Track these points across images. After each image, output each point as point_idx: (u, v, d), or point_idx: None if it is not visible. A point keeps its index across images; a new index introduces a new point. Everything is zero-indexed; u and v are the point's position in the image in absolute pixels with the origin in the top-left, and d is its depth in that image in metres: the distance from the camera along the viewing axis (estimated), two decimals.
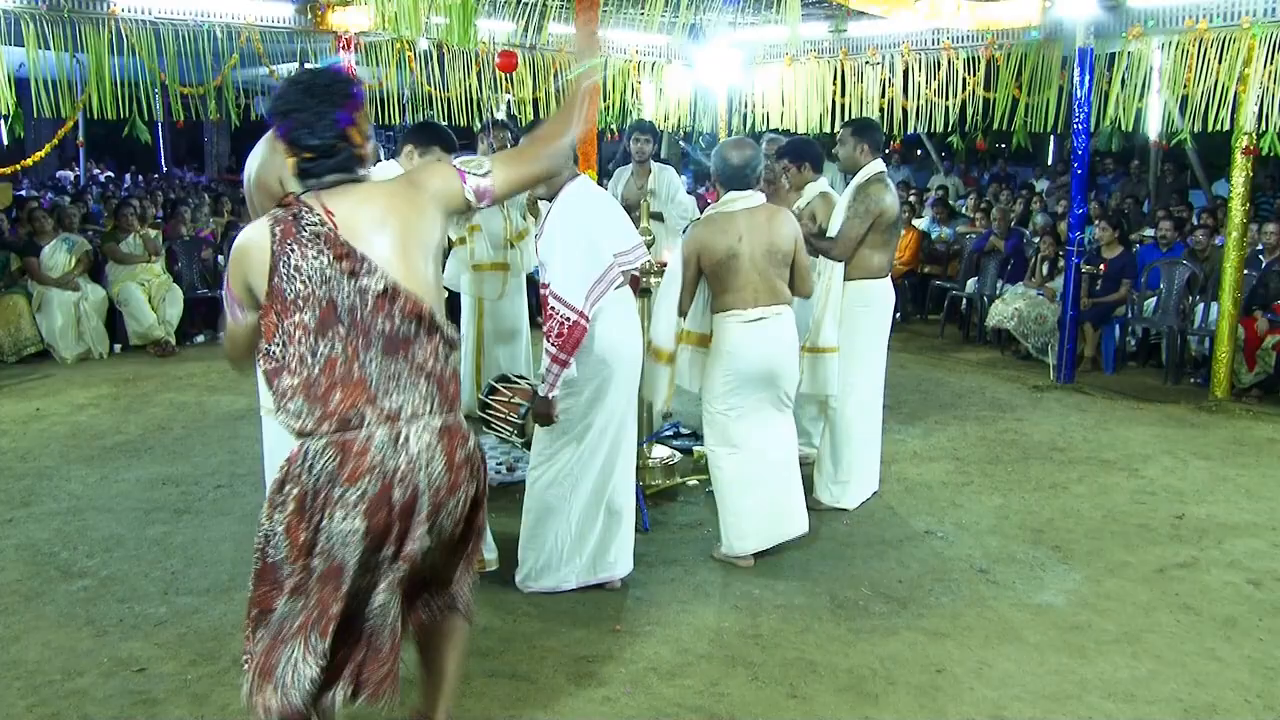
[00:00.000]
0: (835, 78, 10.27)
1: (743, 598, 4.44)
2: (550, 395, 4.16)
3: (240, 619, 4.15)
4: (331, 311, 2.50)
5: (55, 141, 9.29)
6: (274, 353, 2.53)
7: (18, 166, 9.39)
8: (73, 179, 19.14)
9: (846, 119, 9.17)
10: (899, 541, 5.09)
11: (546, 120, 2.66)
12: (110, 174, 21.03)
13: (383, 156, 6.35)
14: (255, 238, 2.56)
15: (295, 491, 2.50)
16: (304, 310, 2.50)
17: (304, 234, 2.52)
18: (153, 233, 9.89)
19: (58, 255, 9.19)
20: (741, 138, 5.01)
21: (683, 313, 4.77)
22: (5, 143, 16.94)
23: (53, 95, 8.28)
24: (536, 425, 4.38)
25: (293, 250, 2.51)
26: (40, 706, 3.54)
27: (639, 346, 4.44)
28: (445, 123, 10.58)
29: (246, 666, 2.63)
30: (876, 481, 5.69)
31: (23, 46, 7.96)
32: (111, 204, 11.23)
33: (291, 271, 2.50)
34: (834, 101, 10.29)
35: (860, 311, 5.40)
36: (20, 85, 8.21)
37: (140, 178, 19.59)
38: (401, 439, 2.51)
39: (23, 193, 13.46)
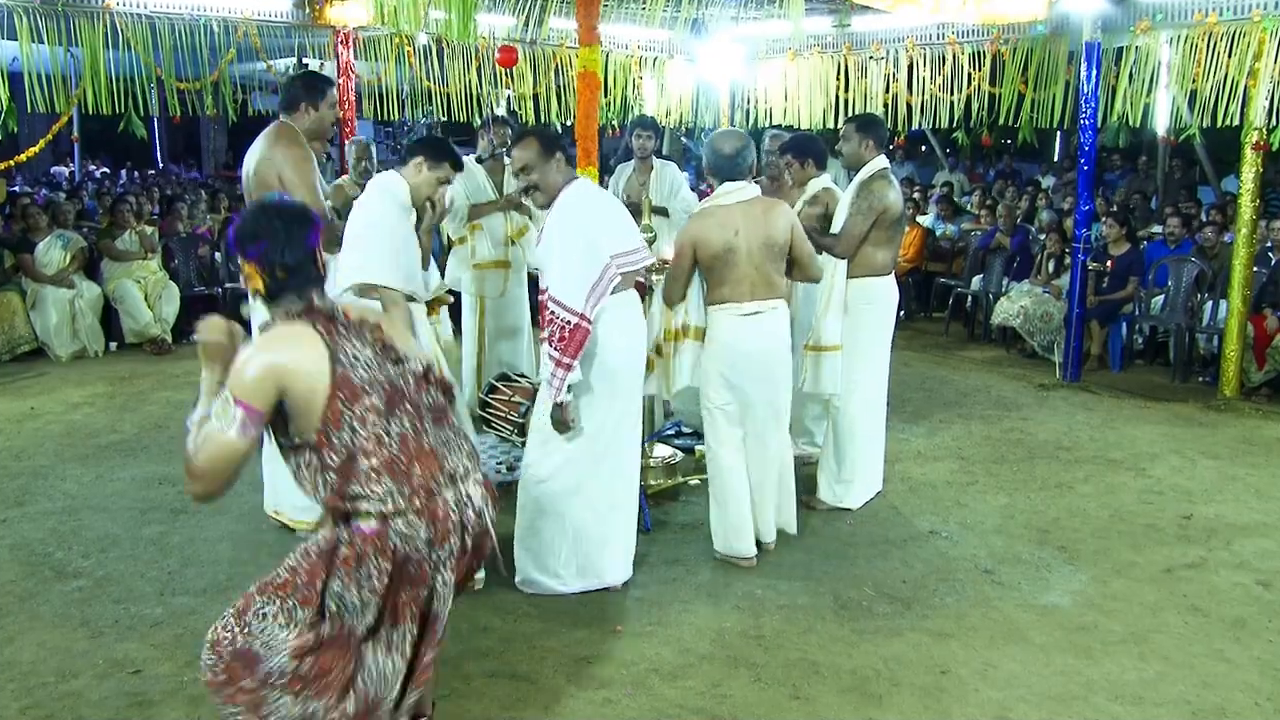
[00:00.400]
0: (838, 73, 10.22)
1: (745, 598, 4.38)
2: (561, 400, 4.11)
3: None
4: (394, 392, 2.65)
5: (49, 137, 9.25)
6: (341, 440, 2.56)
7: (11, 162, 9.33)
8: (67, 175, 19.08)
9: (850, 115, 9.10)
10: (903, 541, 5.03)
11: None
12: (106, 170, 20.98)
13: (374, 156, 6.22)
14: (302, 340, 2.58)
15: (386, 566, 2.59)
16: (371, 394, 2.60)
17: (343, 329, 2.64)
18: (149, 229, 9.82)
19: (52, 252, 9.12)
20: (732, 129, 4.96)
21: (671, 303, 4.71)
22: None
23: (47, 90, 8.23)
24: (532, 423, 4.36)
25: (346, 341, 2.62)
26: (34, 709, 3.50)
27: (642, 349, 4.39)
28: (445, 119, 10.57)
29: None
30: (880, 481, 5.63)
31: (16, 40, 7.89)
32: (107, 200, 11.18)
33: (352, 359, 2.60)
34: (837, 97, 10.23)
35: (863, 309, 5.34)
36: (13, 80, 8.14)
37: (136, 174, 19.53)
38: (466, 497, 2.73)
39: (16, 189, 13.39)
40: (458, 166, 4.46)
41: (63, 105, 8.25)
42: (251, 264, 2.65)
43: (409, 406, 2.68)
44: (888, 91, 9.88)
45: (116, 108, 8.48)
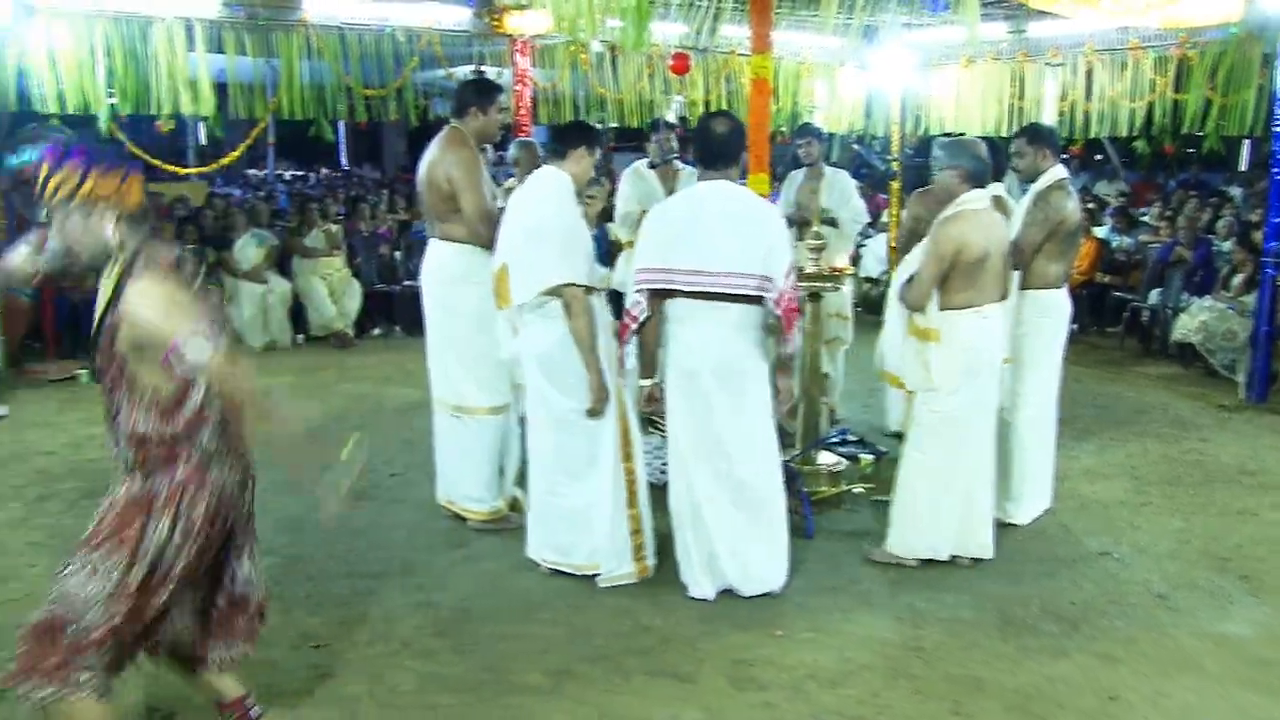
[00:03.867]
0: (1013, 80, 10.00)
1: (906, 609, 4.37)
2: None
3: (409, 604, 4.34)
4: None
5: (249, 142, 9.87)
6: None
7: (215, 165, 9.97)
8: (260, 177, 20.17)
9: (1023, 123, 8.91)
10: (1072, 560, 4.92)
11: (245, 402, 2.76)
12: (296, 172, 22.07)
13: (540, 158, 6.30)
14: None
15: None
16: None
17: None
18: (334, 228, 10.35)
19: (248, 249, 9.70)
20: (971, 137, 4.98)
21: (919, 305, 4.61)
22: (204, 143, 18.03)
23: (248, 98, 8.82)
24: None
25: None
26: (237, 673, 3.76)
27: (730, 362, 4.33)
28: (617, 124, 10.78)
29: None
30: (1049, 497, 5.51)
31: (223, 53, 8.48)
32: (298, 201, 11.79)
33: None
34: (1011, 105, 10.01)
35: (1035, 321, 5.24)
36: (219, 90, 8.75)
37: (322, 175, 20.49)
38: None
39: (216, 190, 14.24)
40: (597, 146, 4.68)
41: (261, 112, 8.84)
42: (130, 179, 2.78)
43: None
44: (1064, 99, 9.62)
45: (308, 113, 9.00)
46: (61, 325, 8.96)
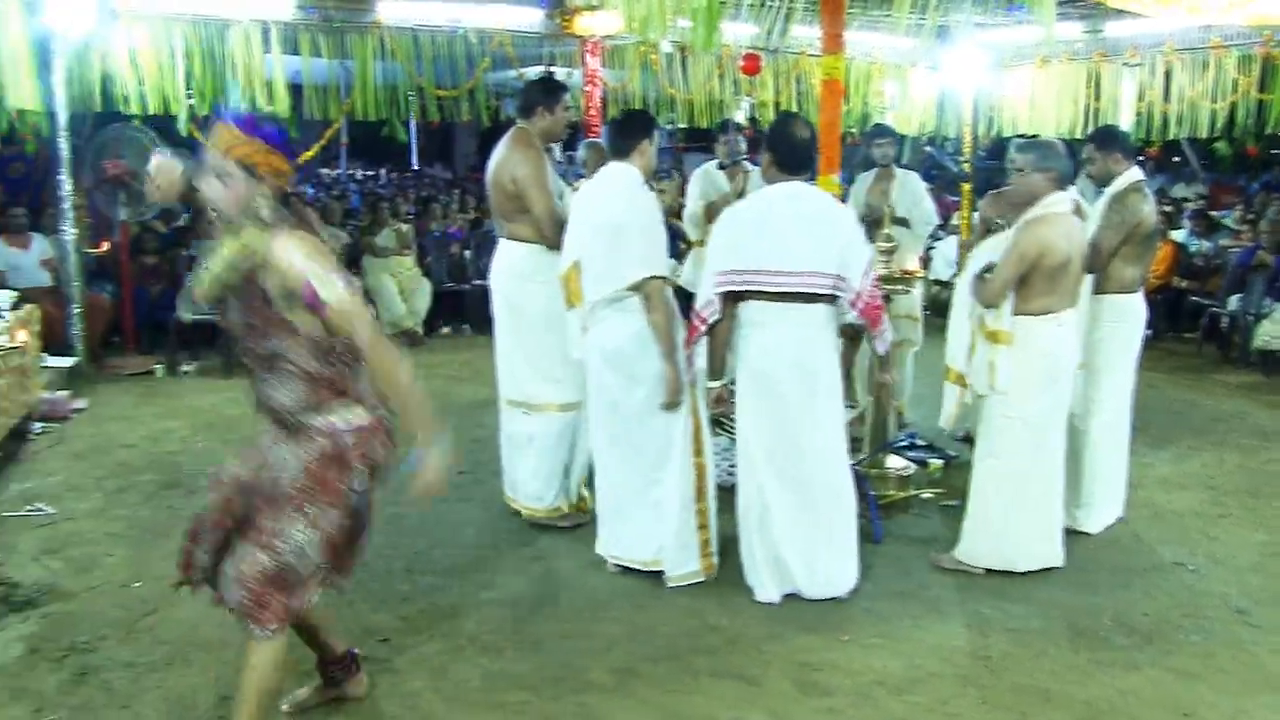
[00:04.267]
0: (1089, 81, 9.83)
1: (975, 617, 4.32)
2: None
3: (475, 600, 4.38)
4: None
5: (323, 142, 10.03)
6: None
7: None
8: (333, 176, 20.48)
9: (1099, 124, 8.76)
10: (1145, 571, 4.82)
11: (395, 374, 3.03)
12: (367, 171, 22.39)
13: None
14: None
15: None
16: None
17: None
18: (405, 227, 10.47)
19: None
20: (1056, 140, 4.92)
21: (992, 304, 4.54)
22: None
23: (322, 99, 8.98)
24: None
25: None
26: (302, 663, 3.80)
27: (805, 363, 4.30)
28: (686, 125, 10.79)
29: None
30: (1122, 506, 5.41)
31: (298, 55, 8.64)
32: (370, 200, 11.95)
33: None
34: (1087, 106, 9.84)
35: (1110, 327, 5.15)
36: (295, 91, 8.92)
37: (394, 175, 20.76)
38: None
39: (290, 189, 14.51)
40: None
41: (335, 113, 8.98)
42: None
43: None
44: (1141, 100, 9.43)
45: (381, 114, 9.13)
46: (140, 322, 9.18)
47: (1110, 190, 5.15)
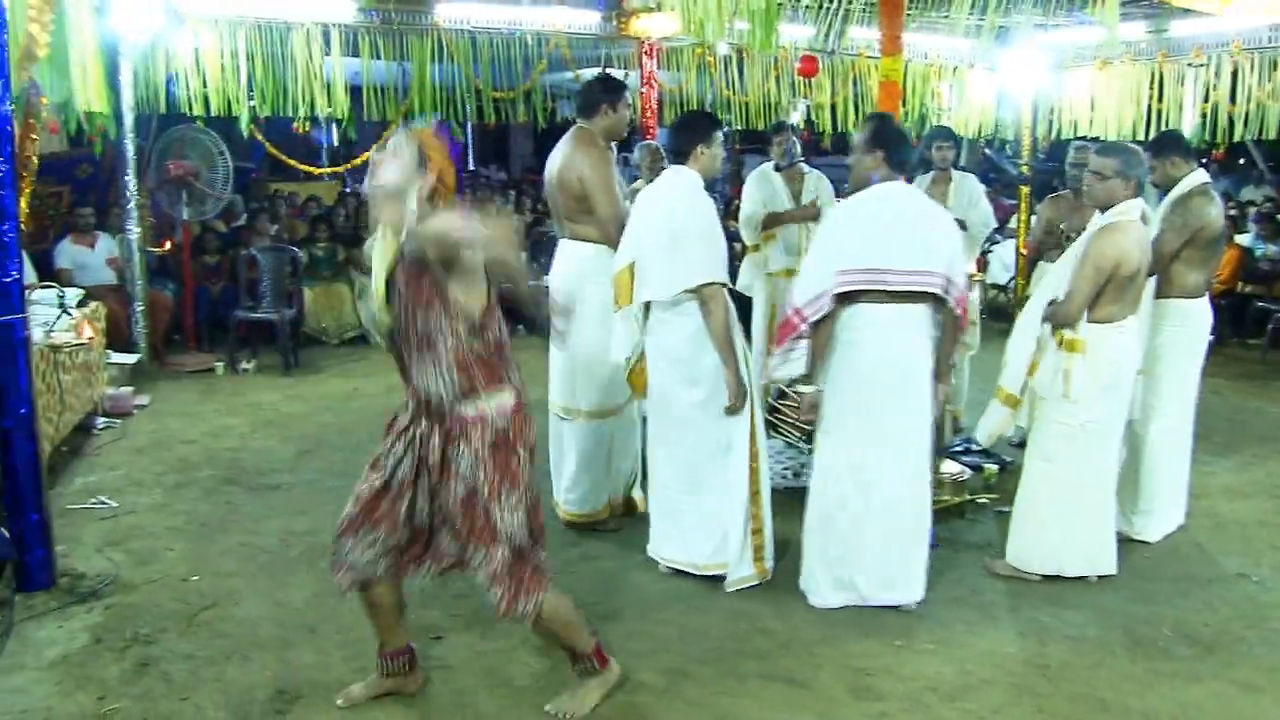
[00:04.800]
0: (1152, 81, 9.66)
1: (1030, 624, 4.27)
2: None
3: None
4: None
5: (381, 143, 10.10)
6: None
7: (348, 166, 10.29)
8: None
9: (1162, 127, 8.62)
10: (1207, 581, 4.73)
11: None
12: None
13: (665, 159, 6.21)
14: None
15: None
16: None
17: None
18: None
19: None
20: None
21: (1072, 321, 4.47)
22: (337, 144, 18.57)
23: (380, 100, 9.07)
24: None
25: None
26: (353, 660, 3.86)
27: (910, 368, 4.26)
28: (743, 127, 10.76)
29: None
30: (1183, 515, 5.32)
31: (358, 57, 8.75)
32: None
33: None
34: (1149, 107, 9.68)
35: (1172, 332, 5.07)
36: (354, 92, 9.03)
37: None
38: None
39: (348, 189, 14.68)
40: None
41: (393, 114, 9.07)
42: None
43: None
44: (1206, 101, 9.26)
45: (439, 115, 9.21)
46: (201, 320, 9.34)
47: (1175, 192, 5.06)
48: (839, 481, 4.32)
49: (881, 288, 4.16)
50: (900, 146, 4.33)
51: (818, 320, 4.24)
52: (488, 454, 3.18)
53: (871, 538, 4.30)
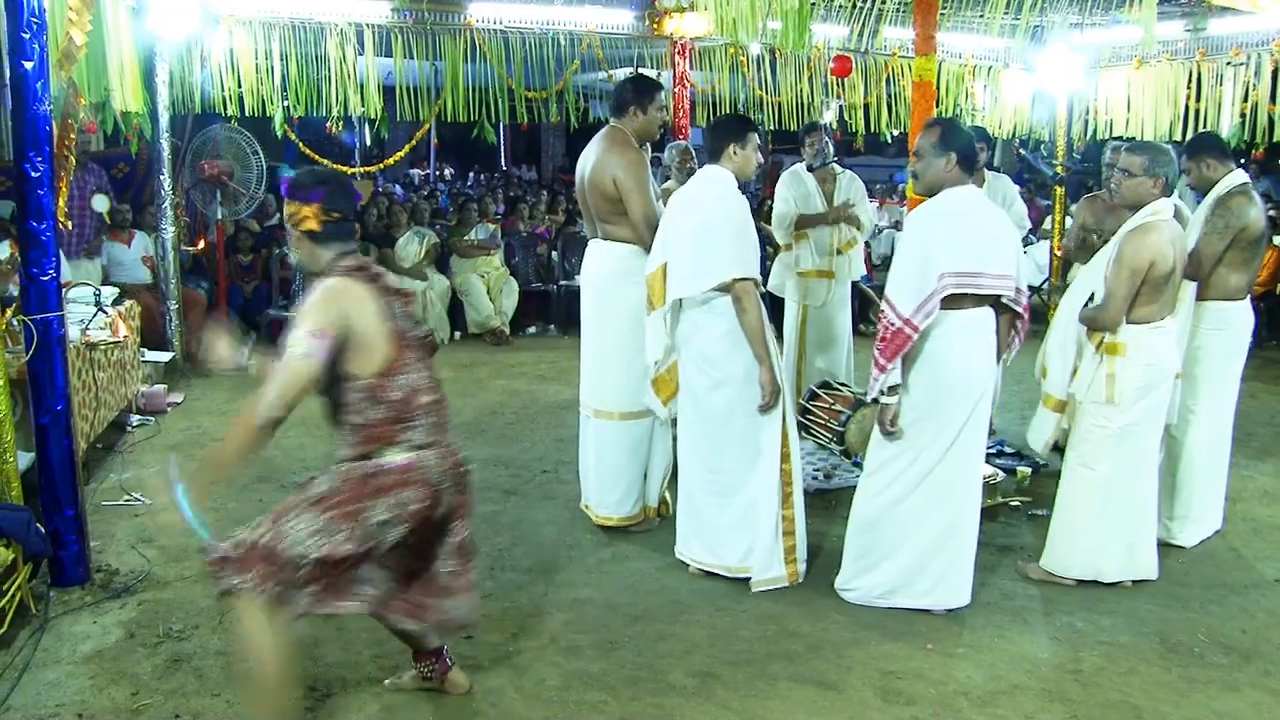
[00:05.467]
0: (1189, 81, 9.54)
1: (1063, 629, 4.23)
2: (878, 400, 4.16)
3: (556, 600, 4.40)
4: (420, 348, 3.25)
5: (413, 143, 10.19)
6: (395, 383, 3.12)
7: (380, 165, 10.34)
8: (421, 176, 20.78)
9: (1200, 127, 8.51)
10: (1243, 588, 4.67)
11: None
12: (453, 171, 22.70)
13: (697, 159, 6.19)
14: (361, 293, 3.08)
15: (422, 493, 3.16)
16: (411, 347, 3.19)
17: (384, 288, 3.16)
18: (492, 227, 10.58)
19: (410, 246, 10.00)
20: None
21: (1113, 325, 4.41)
22: (369, 143, 18.71)
23: (413, 100, 9.12)
24: (870, 433, 4.38)
25: (389, 298, 3.14)
26: (383, 659, 3.88)
27: (985, 372, 4.22)
28: (775, 126, 10.73)
29: None
30: (1220, 520, 5.25)
31: (390, 57, 8.79)
32: (459, 200, 12.11)
33: (399, 314, 3.17)
34: (1187, 107, 9.56)
35: (1212, 335, 5.01)
36: (386, 93, 9.07)
37: (482, 176, 21.00)
38: (453, 443, 3.34)
39: (380, 188, 14.78)
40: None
41: (426, 114, 9.11)
42: (310, 206, 3.16)
43: (426, 361, 3.25)
44: (1245, 100, 9.13)
45: (471, 115, 9.24)
46: (234, 318, 9.41)
47: (1214, 194, 4.99)
48: (895, 484, 4.26)
49: (975, 291, 4.11)
50: (970, 149, 4.26)
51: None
52: (355, 478, 3.12)
53: (926, 540, 4.26)
